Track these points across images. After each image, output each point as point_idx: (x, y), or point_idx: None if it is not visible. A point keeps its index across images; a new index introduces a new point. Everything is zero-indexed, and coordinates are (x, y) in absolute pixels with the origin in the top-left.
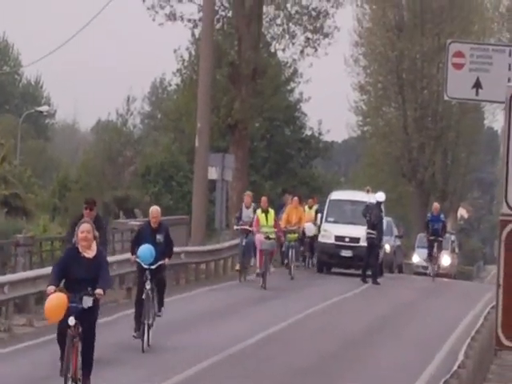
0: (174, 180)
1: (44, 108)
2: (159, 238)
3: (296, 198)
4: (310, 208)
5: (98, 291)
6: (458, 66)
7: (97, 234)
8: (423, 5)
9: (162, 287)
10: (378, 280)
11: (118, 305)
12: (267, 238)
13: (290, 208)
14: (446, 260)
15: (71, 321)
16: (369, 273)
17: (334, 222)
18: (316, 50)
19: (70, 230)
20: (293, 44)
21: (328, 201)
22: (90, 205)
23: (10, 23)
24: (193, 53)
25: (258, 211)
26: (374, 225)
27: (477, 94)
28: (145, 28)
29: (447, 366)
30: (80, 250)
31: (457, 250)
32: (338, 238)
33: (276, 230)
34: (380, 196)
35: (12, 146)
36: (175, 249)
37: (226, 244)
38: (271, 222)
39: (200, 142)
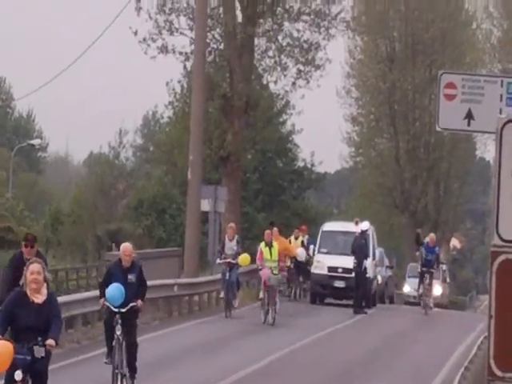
0: (167, 212)
1: (36, 141)
2: (131, 277)
3: (275, 229)
4: (296, 239)
5: (50, 342)
6: (450, 97)
7: (48, 275)
8: (414, 36)
9: (133, 350)
10: (369, 311)
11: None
12: (272, 272)
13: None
14: (437, 290)
15: (17, 375)
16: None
17: (327, 252)
18: (308, 82)
19: (9, 271)
20: (285, 76)
21: (320, 232)
22: (31, 242)
23: (1, 57)
24: (185, 85)
25: (262, 245)
26: (355, 252)
27: (469, 124)
28: (137, 61)
29: None
30: (28, 293)
31: (448, 280)
32: (330, 268)
33: (280, 265)
34: (364, 225)
35: (4, 179)
36: (168, 281)
37: (219, 275)
38: (275, 256)
39: (192, 174)
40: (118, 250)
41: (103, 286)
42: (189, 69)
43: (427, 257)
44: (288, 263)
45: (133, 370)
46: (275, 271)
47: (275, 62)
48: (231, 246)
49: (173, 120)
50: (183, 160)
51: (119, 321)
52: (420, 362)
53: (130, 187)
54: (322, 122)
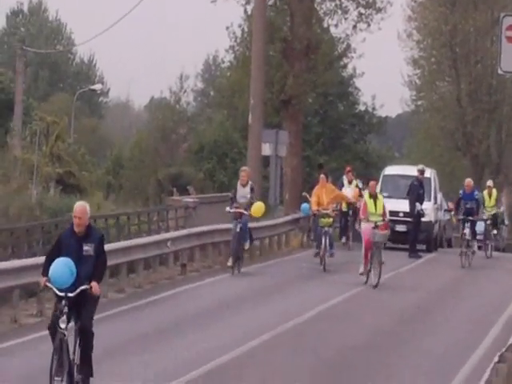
0: (228, 156)
1: (97, 86)
2: (87, 249)
3: (322, 176)
4: (350, 183)
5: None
6: None
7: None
8: None
9: (86, 343)
10: (430, 255)
11: (173, 281)
12: (376, 227)
13: (318, 188)
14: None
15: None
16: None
17: (388, 197)
18: (369, 25)
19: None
20: (345, 19)
21: (382, 176)
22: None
23: (63, 2)
24: (245, 29)
25: (366, 196)
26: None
27: None
28: (197, 5)
29: (503, 340)
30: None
31: (506, 222)
32: (392, 212)
33: (383, 219)
34: (423, 169)
35: (66, 125)
36: (229, 225)
37: (281, 220)
38: (380, 209)
39: (253, 118)
40: (180, 194)
41: (48, 260)
42: (249, 13)
43: (466, 204)
44: (344, 208)
45: (86, 372)
46: (380, 223)
47: (336, 5)
48: (244, 193)
49: (233, 64)
50: (244, 104)
51: (65, 309)
52: (481, 307)
53: (191, 132)
54: (383, 65)
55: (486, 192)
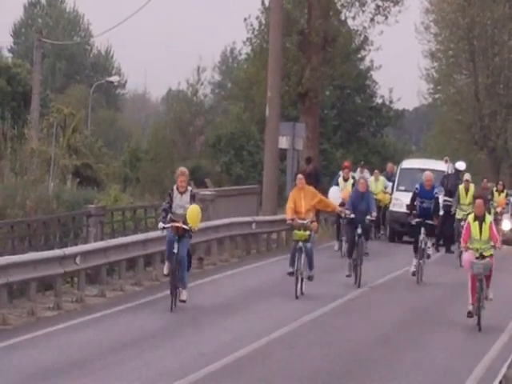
0: (245, 149)
1: (114, 78)
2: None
3: (300, 176)
4: (346, 181)
5: None
6: None
7: None
8: None
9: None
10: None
11: (190, 274)
12: (481, 255)
13: (295, 191)
14: (506, 225)
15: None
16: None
17: (405, 190)
18: (386, 18)
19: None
20: (363, 12)
21: (399, 169)
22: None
23: None
24: (263, 21)
25: (470, 218)
26: (452, 192)
27: None
28: None
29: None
30: None
31: None
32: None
33: (495, 243)
34: (460, 165)
35: (83, 117)
36: (246, 218)
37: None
38: (487, 234)
39: (270, 111)
40: (197, 187)
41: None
42: (267, 5)
43: (423, 204)
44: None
45: None
46: (488, 252)
47: None
48: (183, 202)
49: (251, 56)
50: (261, 96)
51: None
52: (499, 298)
53: (208, 124)
54: (400, 58)
55: (462, 187)
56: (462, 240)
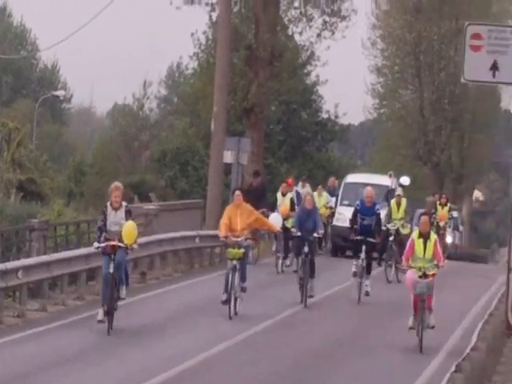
0: (190, 164)
1: (60, 92)
2: None
3: (238, 193)
4: (284, 195)
5: None
6: (476, 48)
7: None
8: None
9: None
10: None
11: (132, 289)
12: (424, 274)
13: (231, 208)
14: (447, 239)
15: None
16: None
17: (349, 205)
18: (333, 33)
19: None
20: (310, 27)
21: (343, 184)
22: None
23: (27, 7)
24: (210, 36)
25: (414, 235)
26: None
27: (494, 76)
28: (162, 12)
29: (460, 349)
30: None
31: (461, 229)
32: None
33: (439, 261)
34: (404, 180)
35: (28, 131)
36: (190, 233)
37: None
38: (430, 253)
39: (216, 125)
40: (141, 202)
41: None
42: (214, 19)
43: (364, 221)
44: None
45: None
46: (431, 271)
47: (301, 13)
48: (117, 218)
49: (197, 71)
50: (207, 111)
51: None
52: (439, 315)
53: (154, 139)
54: (346, 73)
55: (393, 202)
56: (404, 257)
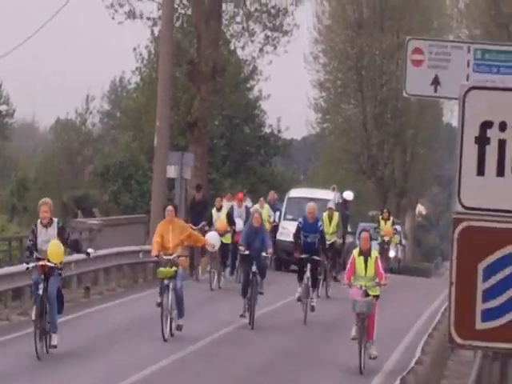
0: (134, 178)
1: (2, 107)
2: None
3: (170, 208)
4: (218, 210)
5: None
6: (417, 63)
7: None
8: (382, 2)
9: None
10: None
11: (76, 304)
12: (365, 293)
13: (163, 224)
14: (390, 253)
15: None
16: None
17: (293, 219)
18: (275, 48)
19: None
20: (252, 42)
21: (286, 198)
22: None
23: None
24: (152, 51)
25: (355, 252)
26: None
27: (435, 90)
28: (104, 26)
29: (405, 363)
30: None
31: (404, 243)
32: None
33: (380, 280)
34: (348, 195)
35: None
36: (134, 248)
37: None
38: (372, 271)
39: (159, 140)
40: (85, 216)
41: None
42: (156, 34)
43: (307, 238)
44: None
45: None
46: (371, 291)
47: (243, 28)
48: (48, 236)
49: (140, 86)
50: (150, 126)
51: None
52: (383, 329)
53: (97, 153)
54: (289, 88)
55: (325, 215)
56: (345, 276)
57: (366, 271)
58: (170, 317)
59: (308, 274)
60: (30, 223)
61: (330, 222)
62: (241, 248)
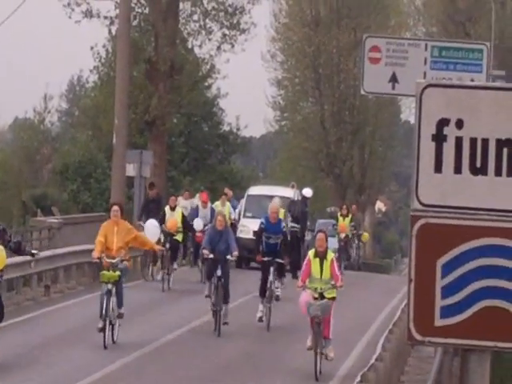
0: (92, 177)
1: None
2: None
3: (116, 208)
4: (172, 209)
5: None
6: (375, 61)
7: None
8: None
9: None
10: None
11: (37, 302)
12: (321, 295)
13: (108, 225)
14: (350, 250)
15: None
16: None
17: (253, 217)
18: (233, 46)
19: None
20: (209, 40)
21: (246, 196)
22: None
23: None
24: (110, 50)
25: (310, 253)
26: (298, 218)
27: (393, 88)
28: (61, 25)
29: (365, 359)
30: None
31: (356, 240)
32: (256, 232)
33: (336, 282)
34: (307, 192)
35: None
36: (93, 246)
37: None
38: (328, 273)
39: (117, 139)
40: (44, 215)
41: None
42: (113, 33)
43: (269, 239)
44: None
45: None
46: (330, 294)
47: (200, 26)
48: None
49: (98, 85)
50: (108, 124)
51: None
52: (344, 326)
53: (56, 152)
54: (247, 86)
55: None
56: (300, 278)
57: (321, 274)
58: (112, 323)
59: (271, 277)
60: None
61: None
62: (204, 252)
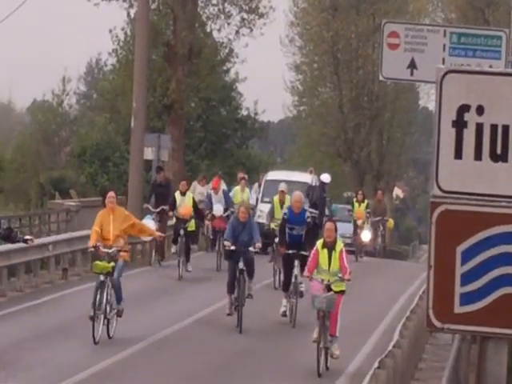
0: (110, 160)
1: None
2: None
3: (111, 194)
4: (183, 194)
5: None
6: (393, 47)
7: None
8: None
9: None
10: None
11: (54, 285)
12: (328, 288)
13: (103, 214)
14: (365, 235)
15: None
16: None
17: (270, 202)
18: (251, 31)
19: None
20: (228, 24)
21: (264, 181)
22: None
23: None
24: (128, 33)
25: (318, 244)
26: (316, 204)
27: (411, 74)
28: (80, 8)
29: (383, 346)
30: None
31: (381, 226)
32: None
33: (344, 274)
34: (325, 177)
35: None
36: None
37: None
38: (336, 264)
39: (136, 122)
40: (62, 198)
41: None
42: (132, 16)
43: (292, 231)
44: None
45: None
46: (338, 287)
47: (219, 10)
48: None
49: (116, 68)
50: (127, 108)
51: None
52: (362, 313)
53: (74, 135)
54: (265, 70)
55: (276, 199)
56: (307, 269)
57: (329, 265)
58: (108, 317)
59: (296, 271)
60: (6, 204)
61: (282, 206)
62: (226, 243)
